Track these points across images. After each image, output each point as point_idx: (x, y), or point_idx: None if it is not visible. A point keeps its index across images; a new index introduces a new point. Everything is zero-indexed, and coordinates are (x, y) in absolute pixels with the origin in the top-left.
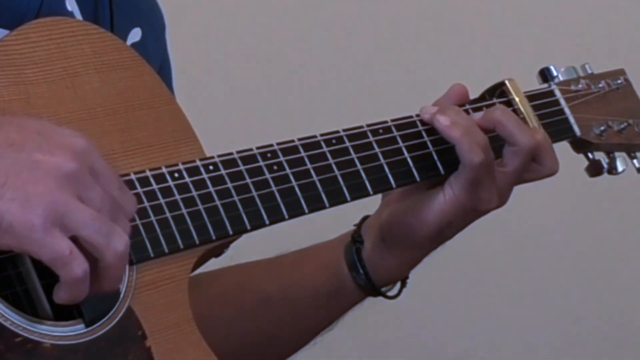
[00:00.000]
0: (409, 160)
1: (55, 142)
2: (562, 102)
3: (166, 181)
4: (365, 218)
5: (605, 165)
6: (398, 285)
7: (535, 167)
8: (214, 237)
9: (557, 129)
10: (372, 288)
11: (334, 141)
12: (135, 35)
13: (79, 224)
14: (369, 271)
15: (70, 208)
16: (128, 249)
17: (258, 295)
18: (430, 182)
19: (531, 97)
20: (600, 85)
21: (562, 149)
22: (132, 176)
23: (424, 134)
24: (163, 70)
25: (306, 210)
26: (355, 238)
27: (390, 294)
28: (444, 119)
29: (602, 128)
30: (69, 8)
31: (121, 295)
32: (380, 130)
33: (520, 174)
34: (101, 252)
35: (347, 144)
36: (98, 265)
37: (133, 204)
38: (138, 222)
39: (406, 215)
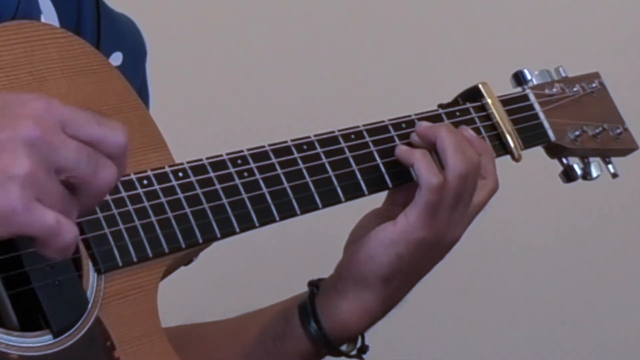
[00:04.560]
0: (382, 166)
1: (15, 114)
2: (537, 106)
3: (135, 188)
4: None
5: (580, 171)
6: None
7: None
8: (183, 246)
9: (532, 134)
10: (324, 339)
11: (304, 147)
12: (117, 59)
13: (55, 195)
14: (320, 318)
15: (46, 181)
16: (117, 180)
17: None
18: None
19: (505, 101)
20: (575, 89)
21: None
22: None
23: (396, 139)
24: (141, 97)
25: (277, 218)
26: (314, 282)
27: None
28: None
29: (577, 133)
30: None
31: (89, 305)
32: (352, 136)
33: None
34: (89, 182)
35: (319, 149)
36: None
37: (119, 135)
38: (106, 230)
39: (357, 250)
